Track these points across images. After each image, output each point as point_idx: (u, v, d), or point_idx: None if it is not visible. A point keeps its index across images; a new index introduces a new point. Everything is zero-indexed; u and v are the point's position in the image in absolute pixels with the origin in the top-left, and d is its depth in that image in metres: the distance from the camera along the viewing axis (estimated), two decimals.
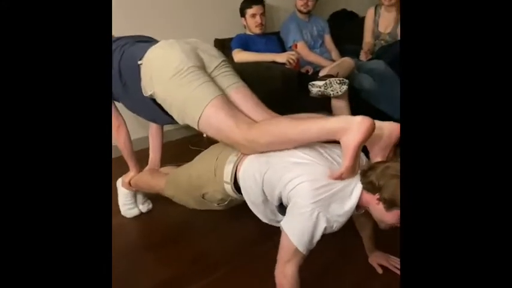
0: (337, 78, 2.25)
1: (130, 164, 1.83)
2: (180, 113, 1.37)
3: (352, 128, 1.12)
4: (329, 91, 2.24)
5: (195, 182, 1.42)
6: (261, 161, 1.27)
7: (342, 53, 2.84)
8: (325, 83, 2.25)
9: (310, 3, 2.75)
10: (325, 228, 1.14)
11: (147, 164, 1.92)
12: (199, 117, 1.31)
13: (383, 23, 2.86)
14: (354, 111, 2.37)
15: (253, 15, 2.56)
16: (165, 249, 1.64)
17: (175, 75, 1.33)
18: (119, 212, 1.90)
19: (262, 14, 2.59)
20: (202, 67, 1.40)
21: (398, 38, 2.78)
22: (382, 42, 2.87)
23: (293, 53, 2.44)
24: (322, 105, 2.34)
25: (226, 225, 1.45)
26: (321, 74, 2.43)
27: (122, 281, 1.44)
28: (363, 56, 2.82)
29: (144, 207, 1.94)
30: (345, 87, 2.24)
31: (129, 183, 1.83)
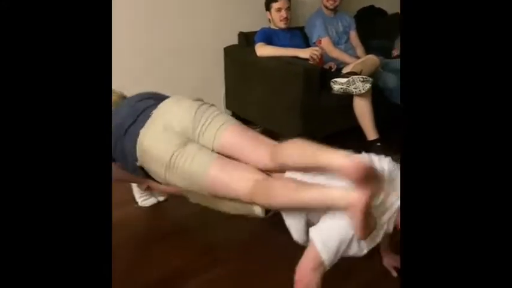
0: (360, 76, 2.21)
1: (139, 183, 1.85)
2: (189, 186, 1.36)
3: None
4: (351, 89, 2.21)
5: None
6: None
7: (369, 50, 2.79)
8: (348, 81, 2.21)
9: (337, 0, 2.71)
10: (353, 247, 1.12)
11: None
12: (205, 180, 1.30)
13: None
14: (376, 110, 2.33)
15: (279, 9, 2.54)
16: (175, 239, 1.66)
17: (168, 165, 1.33)
18: (131, 202, 1.92)
19: (288, 9, 2.56)
20: (187, 136, 1.37)
21: None
22: None
23: (317, 48, 2.41)
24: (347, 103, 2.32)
25: (238, 218, 1.44)
26: (344, 71, 2.39)
27: (129, 271, 1.48)
28: (395, 52, 2.81)
29: (162, 196, 1.97)
30: (368, 86, 2.19)
31: (148, 188, 1.88)
